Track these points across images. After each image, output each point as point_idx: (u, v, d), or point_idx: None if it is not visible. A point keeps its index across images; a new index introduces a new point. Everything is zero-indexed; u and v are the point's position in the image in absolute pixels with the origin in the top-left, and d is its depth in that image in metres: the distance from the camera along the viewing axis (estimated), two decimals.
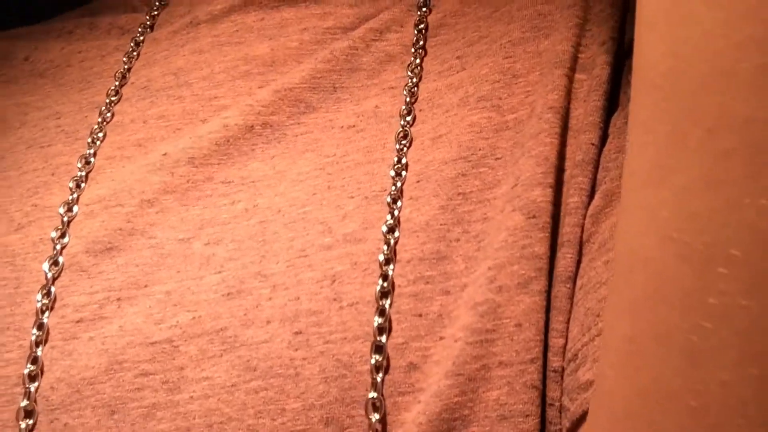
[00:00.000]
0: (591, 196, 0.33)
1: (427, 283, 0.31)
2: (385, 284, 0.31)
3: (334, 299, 0.31)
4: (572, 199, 0.32)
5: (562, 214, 0.33)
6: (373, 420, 0.29)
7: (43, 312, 0.34)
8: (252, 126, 0.38)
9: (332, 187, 0.35)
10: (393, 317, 0.31)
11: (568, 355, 0.29)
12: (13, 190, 0.39)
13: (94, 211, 0.37)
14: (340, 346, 0.30)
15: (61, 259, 0.35)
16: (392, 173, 0.35)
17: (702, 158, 0.17)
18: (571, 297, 0.31)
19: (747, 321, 0.17)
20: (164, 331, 0.32)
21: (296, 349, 0.30)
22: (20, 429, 0.31)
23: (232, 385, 0.30)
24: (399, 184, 0.35)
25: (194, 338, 0.32)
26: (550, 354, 0.30)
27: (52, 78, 0.45)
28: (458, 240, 0.32)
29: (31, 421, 0.31)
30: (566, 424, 0.28)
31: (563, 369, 0.29)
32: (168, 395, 0.31)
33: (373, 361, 0.30)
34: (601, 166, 0.33)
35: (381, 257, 0.32)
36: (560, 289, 0.31)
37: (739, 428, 0.18)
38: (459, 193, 0.34)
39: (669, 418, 0.19)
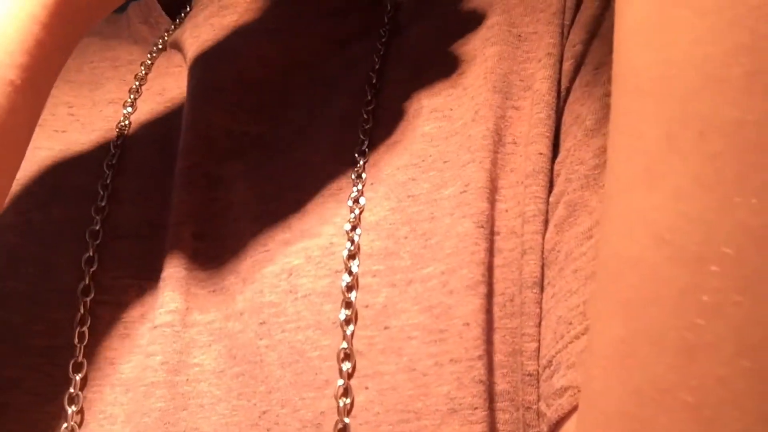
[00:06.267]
0: (546, 203, 0.34)
1: (374, 276, 0.33)
2: (350, 279, 0.33)
3: (290, 291, 0.33)
4: (529, 207, 0.34)
5: (521, 222, 0.34)
6: (341, 405, 0.30)
7: None
8: (233, 131, 0.40)
9: (297, 187, 0.37)
10: None
11: (543, 361, 0.30)
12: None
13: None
14: (295, 334, 0.32)
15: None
16: (353, 176, 0.37)
17: (694, 161, 0.18)
18: (539, 302, 0.32)
19: (740, 316, 0.18)
20: (164, 316, 0.34)
21: (261, 338, 0.33)
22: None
23: (221, 371, 0.33)
24: (359, 186, 0.37)
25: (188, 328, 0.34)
26: (523, 358, 0.31)
27: (60, 76, 0.46)
28: (406, 238, 0.34)
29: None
30: (544, 428, 0.29)
31: (538, 373, 0.30)
32: (168, 375, 0.33)
33: (343, 345, 0.32)
34: (563, 177, 0.34)
35: (345, 253, 0.34)
36: (527, 295, 0.32)
37: (735, 421, 0.18)
38: (409, 196, 0.35)
39: (665, 414, 0.20)
